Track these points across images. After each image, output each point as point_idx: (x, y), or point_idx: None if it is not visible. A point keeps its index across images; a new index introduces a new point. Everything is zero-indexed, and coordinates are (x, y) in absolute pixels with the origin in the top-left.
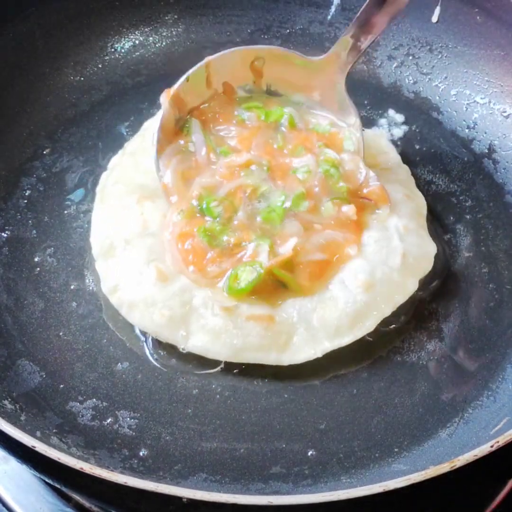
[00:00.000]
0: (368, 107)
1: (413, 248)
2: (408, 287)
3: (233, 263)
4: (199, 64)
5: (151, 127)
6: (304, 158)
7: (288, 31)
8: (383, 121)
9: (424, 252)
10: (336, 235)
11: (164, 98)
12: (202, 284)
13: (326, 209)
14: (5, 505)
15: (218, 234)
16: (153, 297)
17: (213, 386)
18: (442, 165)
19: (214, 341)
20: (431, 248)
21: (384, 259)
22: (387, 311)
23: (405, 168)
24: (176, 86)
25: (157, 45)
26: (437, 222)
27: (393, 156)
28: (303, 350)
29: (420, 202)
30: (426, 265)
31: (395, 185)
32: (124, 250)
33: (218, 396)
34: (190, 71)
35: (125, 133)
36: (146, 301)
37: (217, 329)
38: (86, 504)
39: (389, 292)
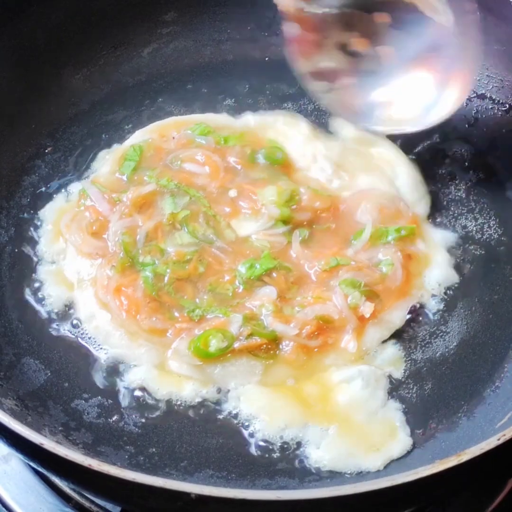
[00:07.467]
0: None
1: None
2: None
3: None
4: None
5: None
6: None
7: None
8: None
9: None
10: (331, 310)
11: None
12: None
13: (353, 298)
14: (5, 505)
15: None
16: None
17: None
18: (442, 162)
19: (194, 370)
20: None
21: None
22: (386, 333)
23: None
24: None
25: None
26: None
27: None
28: None
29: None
30: None
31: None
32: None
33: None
34: None
35: (125, 132)
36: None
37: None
38: (86, 504)
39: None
